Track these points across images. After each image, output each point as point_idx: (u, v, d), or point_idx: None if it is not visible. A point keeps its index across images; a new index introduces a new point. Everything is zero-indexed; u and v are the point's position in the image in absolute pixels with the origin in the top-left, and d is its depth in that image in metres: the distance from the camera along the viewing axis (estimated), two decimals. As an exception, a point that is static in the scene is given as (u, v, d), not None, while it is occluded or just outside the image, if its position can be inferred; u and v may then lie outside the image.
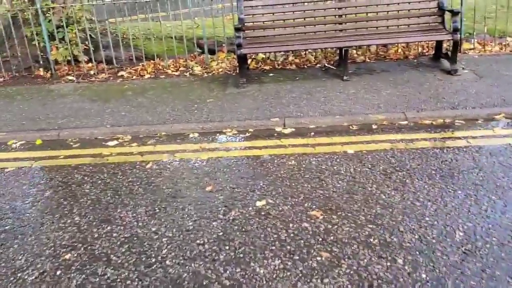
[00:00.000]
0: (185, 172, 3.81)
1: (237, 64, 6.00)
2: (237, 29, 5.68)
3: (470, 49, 6.48)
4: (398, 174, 3.49)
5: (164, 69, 6.77)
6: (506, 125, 4.26)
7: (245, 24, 5.99)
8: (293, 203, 3.20)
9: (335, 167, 3.68)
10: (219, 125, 4.74)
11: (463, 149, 3.82)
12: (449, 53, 5.73)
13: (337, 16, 6.00)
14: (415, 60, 6.25)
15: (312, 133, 4.43)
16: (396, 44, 6.51)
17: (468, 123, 4.37)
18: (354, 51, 6.61)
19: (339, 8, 5.98)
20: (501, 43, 6.60)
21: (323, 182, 3.46)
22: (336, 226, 2.90)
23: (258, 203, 3.22)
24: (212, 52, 6.92)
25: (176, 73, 6.63)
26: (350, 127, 4.51)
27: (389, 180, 3.41)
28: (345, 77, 5.70)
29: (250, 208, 3.17)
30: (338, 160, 3.81)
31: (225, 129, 4.65)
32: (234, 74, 6.34)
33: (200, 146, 4.31)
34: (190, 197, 3.39)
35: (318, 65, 6.50)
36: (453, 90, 5.07)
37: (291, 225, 2.94)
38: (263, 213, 3.10)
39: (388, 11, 5.98)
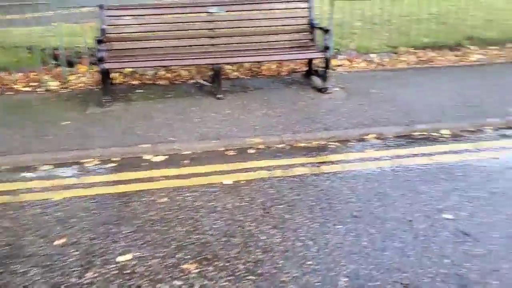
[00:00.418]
0: (32, 219, 3.16)
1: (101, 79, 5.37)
2: (99, 41, 5.06)
3: (339, 65, 6.64)
4: (278, 208, 3.27)
5: (12, 85, 5.82)
6: (377, 146, 4.31)
7: (109, 35, 5.39)
8: (163, 254, 2.78)
9: (212, 203, 3.34)
10: (77, 154, 4.12)
11: (339, 175, 3.75)
12: (320, 70, 5.76)
13: (209, 30, 5.69)
14: (288, 77, 6.20)
15: (187, 161, 4.04)
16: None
17: (342, 145, 4.34)
18: (229, 66, 6.37)
19: (211, 22, 5.68)
20: (367, 59, 6.89)
21: (198, 223, 3.09)
22: (212, 281, 2.55)
23: (122, 258, 2.74)
24: (71, 64, 6.15)
25: (27, 89, 5.75)
26: (227, 152, 4.22)
27: (269, 216, 3.17)
28: (219, 96, 5.42)
29: (112, 266, 2.67)
30: (215, 193, 3.48)
31: (84, 159, 4.05)
32: (97, 89, 5.68)
33: (52, 183, 3.65)
34: (36, 255, 2.78)
35: (191, 80, 6.13)
36: (325, 110, 5.06)
37: (160, 285, 2.52)
38: (127, 272, 2.63)
39: (261, 27, 5.85)
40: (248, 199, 3.39)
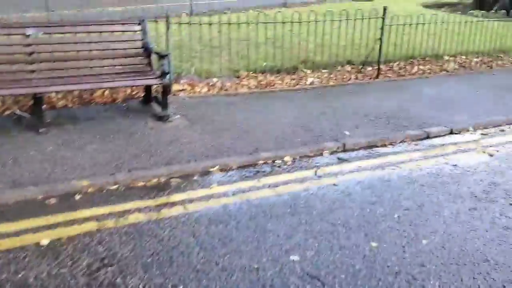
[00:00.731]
0: None
1: None
2: None
3: (180, 90, 6.31)
4: (107, 271, 2.76)
5: None
6: (222, 179, 4.05)
7: None
8: None
9: (20, 275, 2.68)
10: None
11: (181, 219, 3.38)
12: (160, 97, 5.37)
13: (27, 55, 4.88)
14: (124, 104, 5.66)
15: (-8, 217, 3.28)
16: (102, 87, 5.81)
17: (185, 181, 3.99)
18: (54, 94, 5.58)
19: (28, 45, 4.88)
20: (209, 83, 6.69)
21: (-1, 306, 2.43)
22: None
23: None
24: None
25: None
26: (47, 201, 3.55)
27: (95, 283, 2.64)
28: (41, 130, 4.65)
29: None
30: (27, 259, 2.82)
31: None
32: None
33: None
34: None
35: (7, 111, 5.21)
36: (166, 141, 4.67)
37: None
38: None
39: (90, 50, 5.24)
40: (70, 262, 2.82)
